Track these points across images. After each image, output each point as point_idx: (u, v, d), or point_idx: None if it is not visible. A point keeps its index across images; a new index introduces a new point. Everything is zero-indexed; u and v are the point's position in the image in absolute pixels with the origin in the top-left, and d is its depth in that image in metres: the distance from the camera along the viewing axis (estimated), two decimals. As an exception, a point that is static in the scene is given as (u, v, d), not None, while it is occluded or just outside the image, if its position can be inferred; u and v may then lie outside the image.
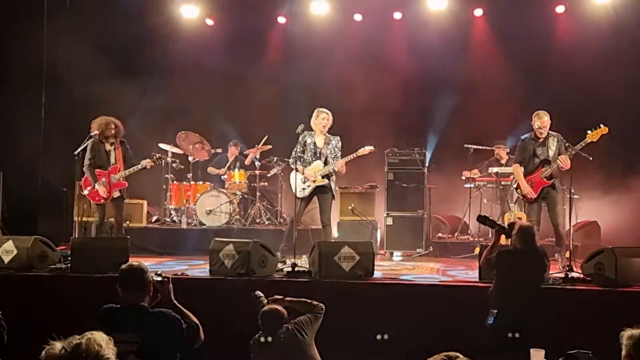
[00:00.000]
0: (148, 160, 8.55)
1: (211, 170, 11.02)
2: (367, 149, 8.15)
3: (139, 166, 8.49)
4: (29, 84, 10.58)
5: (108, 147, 8.42)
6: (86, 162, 8.32)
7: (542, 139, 7.87)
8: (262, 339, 4.97)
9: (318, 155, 8.14)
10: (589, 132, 7.68)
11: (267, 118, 11.44)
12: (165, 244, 9.86)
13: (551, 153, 7.80)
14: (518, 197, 8.43)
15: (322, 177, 8.04)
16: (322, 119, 8.12)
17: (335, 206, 10.01)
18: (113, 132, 8.37)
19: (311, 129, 8.24)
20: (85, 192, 8.40)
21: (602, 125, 7.64)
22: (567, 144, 7.75)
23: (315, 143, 8.16)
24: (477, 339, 6.00)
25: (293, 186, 8.14)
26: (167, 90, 11.87)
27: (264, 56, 11.91)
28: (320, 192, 8.11)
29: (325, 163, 8.10)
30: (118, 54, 11.17)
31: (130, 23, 11.46)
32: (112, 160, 8.42)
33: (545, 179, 7.79)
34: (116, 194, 8.44)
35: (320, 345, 6.20)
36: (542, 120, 7.87)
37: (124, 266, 4.31)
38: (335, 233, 9.99)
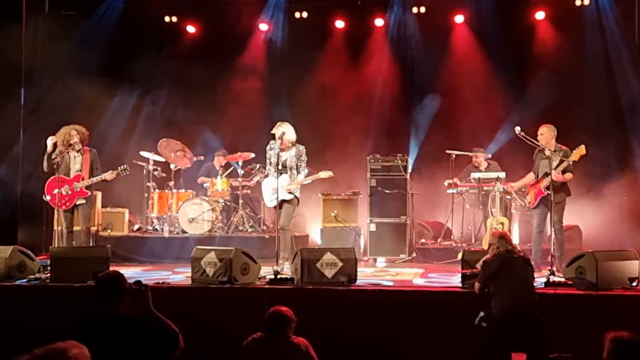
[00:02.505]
0: (111, 171, 8.44)
1: (202, 180, 10.89)
2: (327, 173, 8.32)
3: (100, 177, 8.38)
4: (8, 92, 10.48)
5: (74, 154, 8.35)
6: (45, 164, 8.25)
7: (547, 152, 8.08)
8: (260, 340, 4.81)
9: (283, 167, 8.22)
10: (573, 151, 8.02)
11: (249, 124, 11.43)
12: (147, 253, 9.77)
13: (553, 165, 7.99)
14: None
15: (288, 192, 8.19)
16: (278, 138, 8.19)
17: (318, 213, 10.04)
18: (69, 141, 8.22)
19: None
20: (48, 197, 8.31)
21: (581, 146, 7.98)
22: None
23: (279, 154, 8.23)
24: (459, 344, 6.04)
25: (264, 195, 8.42)
26: (147, 97, 11.83)
27: (246, 62, 11.88)
28: (285, 201, 8.22)
29: (294, 172, 8.22)
30: (98, 61, 11.11)
31: (110, 29, 11.43)
32: (77, 167, 8.35)
33: (543, 189, 8.12)
34: (80, 201, 8.35)
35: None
36: (539, 132, 8.19)
37: (100, 275, 4.25)
38: (318, 240, 9.99)
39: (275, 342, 4.80)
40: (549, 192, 7.81)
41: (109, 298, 4.04)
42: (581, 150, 7.95)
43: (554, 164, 7.99)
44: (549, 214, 8.06)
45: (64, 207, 8.28)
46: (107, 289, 4.08)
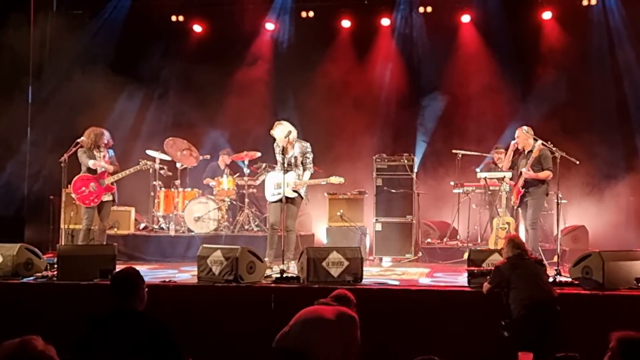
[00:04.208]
0: (134, 166, 8.73)
1: (208, 181, 10.90)
2: (338, 179, 8.20)
3: (127, 171, 8.61)
4: (15, 90, 10.52)
5: (97, 153, 8.49)
6: (86, 166, 8.42)
7: (525, 152, 8.23)
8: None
9: (288, 165, 8.11)
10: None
11: (255, 123, 11.45)
12: (153, 251, 9.79)
13: (528, 164, 8.17)
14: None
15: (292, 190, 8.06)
16: (284, 137, 8.02)
17: (324, 212, 10.03)
18: (105, 142, 8.52)
19: (297, 135, 8.25)
20: (74, 195, 8.42)
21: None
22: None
23: (282, 153, 8.10)
24: (465, 343, 6.03)
25: (267, 189, 8.32)
26: (154, 95, 11.86)
27: (252, 62, 11.90)
28: (289, 200, 8.04)
29: (300, 170, 8.10)
30: (105, 60, 11.14)
31: (117, 28, 11.49)
32: (102, 165, 8.46)
33: (520, 188, 8.27)
34: (105, 198, 8.48)
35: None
36: (515, 135, 8.35)
37: (116, 272, 4.27)
38: (324, 239, 9.99)
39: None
40: (526, 190, 8.11)
41: (124, 294, 4.05)
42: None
43: (529, 162, 8.14)
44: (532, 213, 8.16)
45: (92, 204, 8.41)
46: (122, 285, 4.09)
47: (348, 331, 4.84)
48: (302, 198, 8.16)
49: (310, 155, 8.15)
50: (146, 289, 4.19)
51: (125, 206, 10.42)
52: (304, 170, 8.12)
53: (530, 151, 8.18)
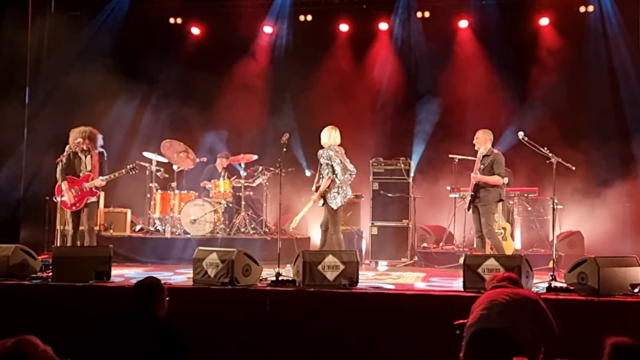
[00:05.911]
0: (119, 170, 8.59)
1: (205, 184, 10.89)
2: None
3: (112, 175, 8.49)
4: (13, 91, 10.51)
5: (82, 155, 8.36)
6: (58, 170, 8.26)
7: (483, 155, 8.32)
8: None
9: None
10: None
11: (252, 126, 11.46)
12: (149, 253, 9.78)
13: (481, 167, 8.29)
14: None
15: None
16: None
17: (321, 215, 10.02)
18: (87, 146, 8.30)
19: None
20: (59, 199, 8.31)
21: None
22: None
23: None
24: (460, 348, 6.02)
25: None
26: (151, 97, 11.86)
27: (250, 65, 11.91)
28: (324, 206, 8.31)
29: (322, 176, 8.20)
30: (103, 61, 11.13)
31: (115, 30, 11.49)
32: (87, 168, 8.37)
33: (470, 190, 8.35)
34: (89, 200, 8.36)
35: (303, 353, 6.20)
36: (475, 136, 8.46)
37: (139, 281, 4.50)
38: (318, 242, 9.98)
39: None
40: (472, 193, 8.20)
41: (145, 300, 4.29)
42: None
43: (483, 165, 8.23)
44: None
45: (74, 207, 8.29)
46: (144, 293, 4.34)
47: (541, 310, 5.09)
48: (330, 206, 8.18)
49: (328, 163, 8.13)
50: (167, 298, 4.45)
51: (121, 208, 10.41)
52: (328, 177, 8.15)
53: (487, 155, 8.22)
